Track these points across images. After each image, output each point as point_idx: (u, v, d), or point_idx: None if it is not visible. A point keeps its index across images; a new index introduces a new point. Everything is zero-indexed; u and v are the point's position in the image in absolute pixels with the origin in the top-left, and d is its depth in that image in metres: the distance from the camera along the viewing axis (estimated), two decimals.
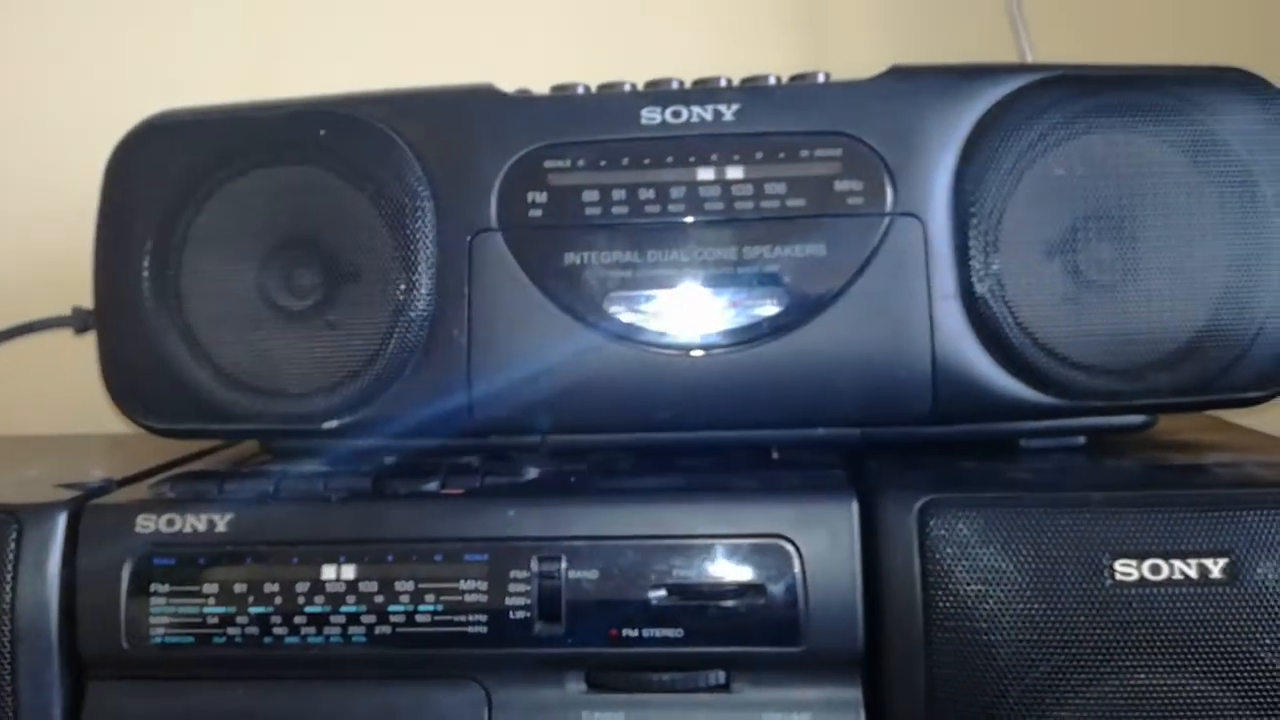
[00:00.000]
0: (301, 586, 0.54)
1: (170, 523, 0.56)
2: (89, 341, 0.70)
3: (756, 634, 0.53)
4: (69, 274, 0.74)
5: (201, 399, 0.60)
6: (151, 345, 0.60)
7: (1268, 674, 0.49)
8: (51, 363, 0.84)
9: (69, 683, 0.56)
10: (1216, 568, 0.49)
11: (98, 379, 0.64)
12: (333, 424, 0.60)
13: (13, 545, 0.55)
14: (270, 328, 0.60)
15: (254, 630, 0.54)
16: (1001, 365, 0.57)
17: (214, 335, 0.60)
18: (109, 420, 0.78)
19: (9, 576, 0.55)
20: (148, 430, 0.62)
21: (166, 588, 0.55)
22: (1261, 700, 0.49)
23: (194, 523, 0.56)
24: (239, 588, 0.54)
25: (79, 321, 0.75)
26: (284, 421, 0.60)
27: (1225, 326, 0.57)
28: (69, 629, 0.55)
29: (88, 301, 0.71)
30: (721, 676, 0.54)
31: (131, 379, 0.62)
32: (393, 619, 0.54)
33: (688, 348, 0.58)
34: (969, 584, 0.51)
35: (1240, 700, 0.49)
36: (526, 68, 0.65)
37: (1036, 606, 0.50)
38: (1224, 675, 0.49)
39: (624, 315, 0.58)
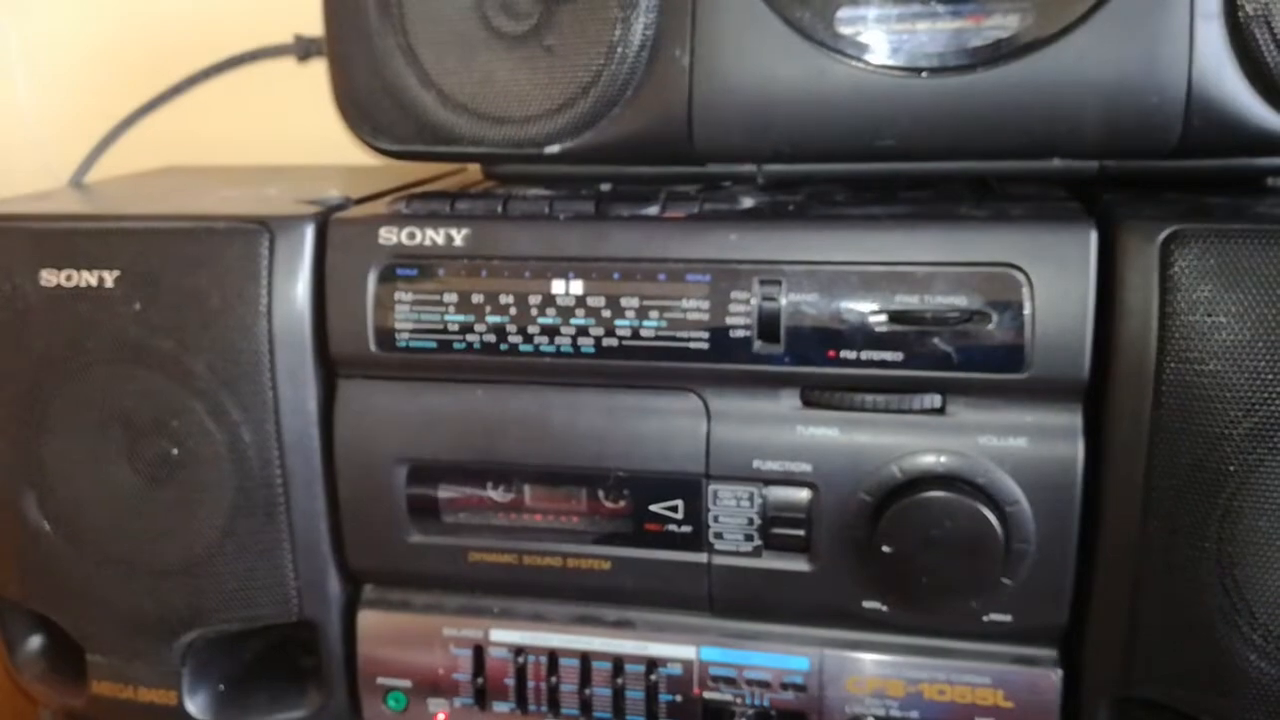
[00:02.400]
0: (534, 299, 0.57)
1: (411, 235, 0.59)
2: (311, 71, 0.72)
3: (978, 360, 0.53)
4: (289, 2, 0.75)
5: (426, 121, 0.62)
6: (378, 68, 0.62)
7: None
8: (274, 93, 0.87)
9: (323, 380, 0.61)
10: None
11: (319, 109, 0.66)
12: (554, 149, 0.61)
13: (265, 254, 0.60)
14: (489, 51, 0.61)
15: (491, 338, 0.58)
16: (1261, 95, 0.53)
17: (436, 59, 0.61)
18: (330, 151, 0.82)
19: (265, 282, 0.60)
20: (377, 151, 0.65)
21: (410, 295, 0.59)
22: None
23: (433, 236, 0.59)
24: (476, 298, 0.58)
25: (301, 49, 0.77)
26: (506, 145, 0.62)
27: None
28: (321, 332, 0.60)
29: (307, 30, 0.73)
30: (937, 400, 0.55)
31: (361, 101, 0.63)
32: (619, 333, 0.57)
33: (919, 69, 0.55)
34: (1210, 315, 0.49)
35: None
36: None
37: (1273, 342, 0.49)
38: None
39: (854, 33, 0.56)
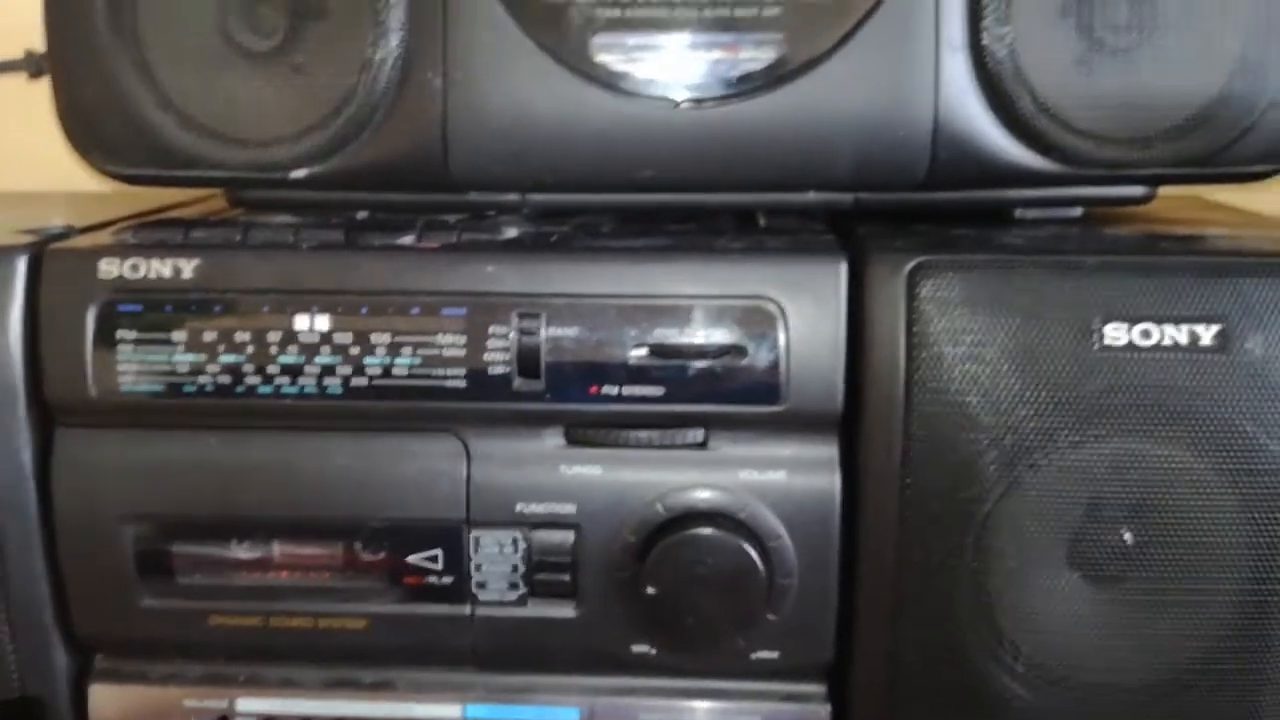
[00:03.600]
0: (274, 336, 0.53)
1: (135, 268, 0.54)
2: (45, 89, 0.66)
3: (737, 393, 0.52)
4: (19, 18, 0.69)
5: (163, 144, 0.57)
6: (109, 86, 0.57)
7: (1246, 443, 0.49)
8: (5, 112, 0.80)
9: (38, 430, 0.55)
10: (1208, 335, 0.49)
11: (51, 129, 0.60)
12: (300, 173, 0.57)
13: None
14: (232, 69, 0.57)
15: (226, 379, 0.53)
16: (1005, 127, 0.55)
17: (174, 76, 0.57)
18: (68, 177, 0.75)
19: None
20: (106, 175, 0.59)
21: (133, 334, 0.53)
22: (1238, 469, 0.49)
23: (159, 268, 0.54)
24: (208, 336, 0.53)
25: (32, 65, 0.70)
26: (248, 169, 0.58)
27: (1237, 96, 0.55)
28: (35, 376, 0.54)
29: (39, 45, 0.67)
30: (700, 434, 0.54)
31: (89, 121, 0.58)
32: (369, 371, 0.53)
33: (676, 99, 0.55)
34: (955, 345, 0.50)
35: (1217, 469, 0.50)
36: None
37: (1021, 369, 0.50)
38: (1204, 445, 0.49)
39: (610, 60, 0.54)
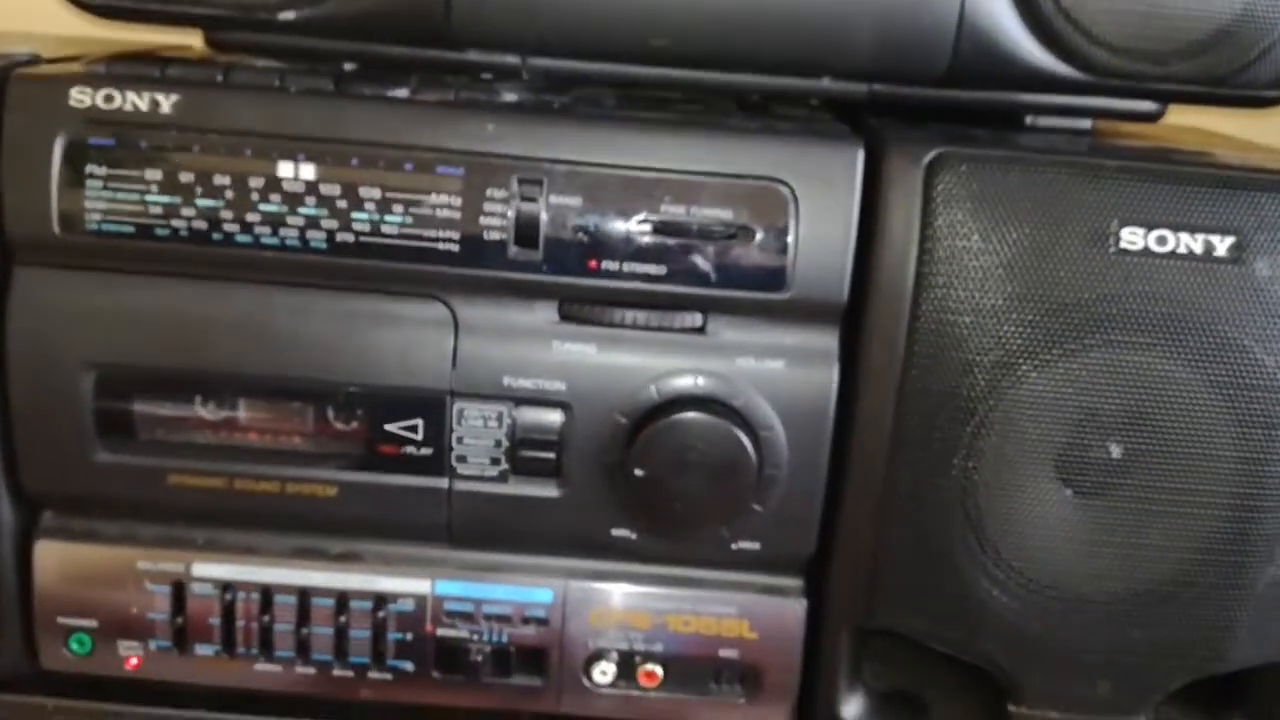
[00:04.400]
0: (255, 182, 0.50)
1: (109, 99, 0.50)
2: None
3: (741, 277, 0.51)
4: None
5: None
6: None
7: (1245, 359, 0.49)
8: None
9: None
10: (1223, 246, 0.48)
11: None
12: (289, 15, 0.53)
13: None
14: None
15: (201, 224, 0.50)
16: (1028, 29, 0.53)
17: None
18: (43, 20, 0.70)
19: None
20: (81, 6, 0.55)
21: (104, 170, 0.50)
22: (1232, 383, 0.49)
23: (135, 101, 0.50)
24: (185, 177, 0.50)
25: None
26: (232, 8, 0.54)
27: (1256, 17, 0.53)
28: None
29: None
30: (698, 319, 0.52)
31: None
32: (356, 227, 0.50)
33: None
34: (970, 241, 0.49)
35: (1211, 381, 0.49)
36: None
37: (1035, 270, 0.49)
38: (1202, 356, 0.49)
39: None
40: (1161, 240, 0.48)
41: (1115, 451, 0.51)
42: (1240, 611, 0.51)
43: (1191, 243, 0.48)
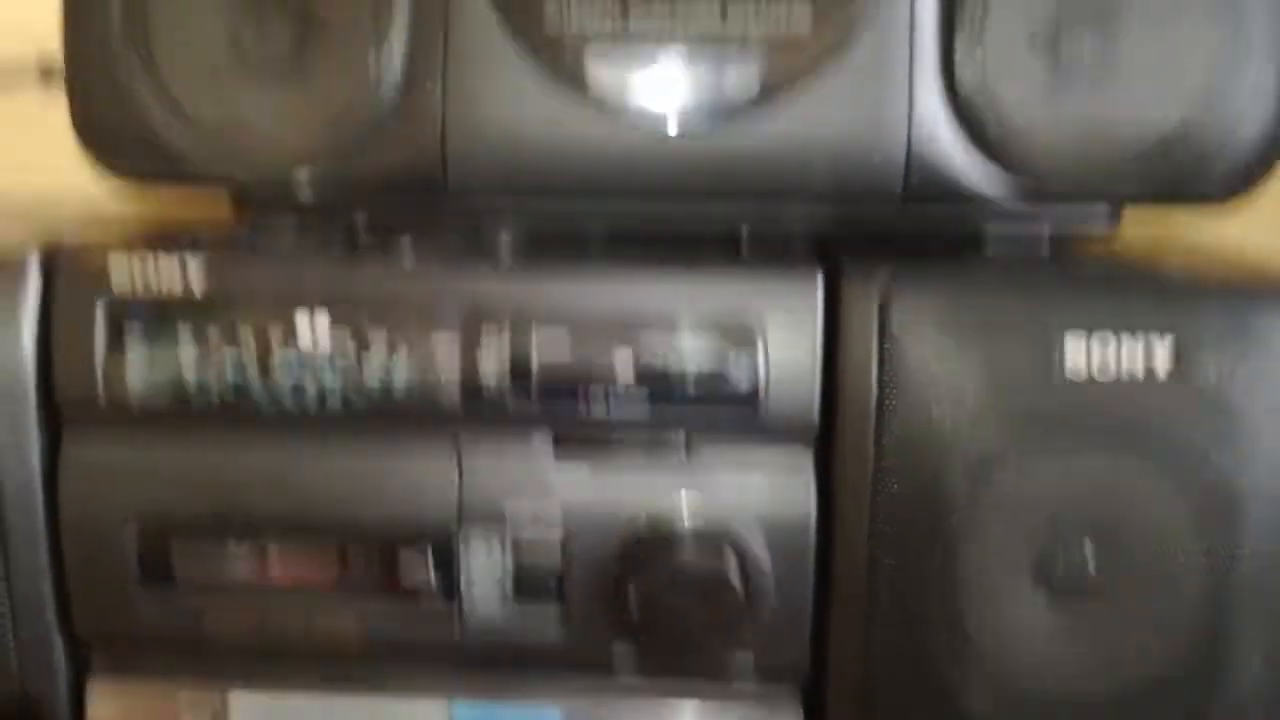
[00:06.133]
0: (275, 341, 0.55)
1: (145, 270, 0.56)
2: (56, 95, 0.68)
3: (718, 404, 0.54)
4: (32, 19, 0.71)
5: (171, 149, 0.59)
6: (121, 93, 0.59)
7: (1201, 461, 0.51)
8: (16, 122, 0.82)
9: (46, 431, 0.57)
10: (1164, 349, 0.51)
11: (66, 135, 0.62)
12: (304, 179, 0.59)
13: None
14: (240, 79, 0.59)
15: (227, 382, 0.55)
16: (976, 149, 0.57)
17: (184, 84, 0.59)
18: (78, 184, 0.77)
19: None
20: (116, 178, 0.62)
21: (141, 338, 0.56)
22: (1191, 485, 0.51)
23: (169, 270, 0.56)
24: (213, 336, 0.55)
25: (46, 75, 0.73)
26: (254, 175, 0.60)
27: (1198, 126, 0.57)
28: (45, 378, 0.56)
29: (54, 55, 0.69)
30: (682, 444, 0.56)
31: (101, 127, 0.60)
32: (365, 378, 0.55)
33: (664, 116, 0.57)
34: (924, 362, 0.52)
35: (1171, 485, 0.52)
36: None
37: (987, 385, 0.52)
38: (1159, 460, 0.51)
39: (603, 80, 0.57)
40: (1104, 355, 0.51)
41: (1089, 554, 0.53)
42: (1217, 707, 0.52)
43: (1133, 353, 0.51)
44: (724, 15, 0.56)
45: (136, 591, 0.57)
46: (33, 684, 0.58)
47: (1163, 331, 0.51)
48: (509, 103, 0.57)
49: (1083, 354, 0.51)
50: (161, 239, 0.58)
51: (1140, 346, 0.51)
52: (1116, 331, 0.51)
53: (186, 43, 0.59)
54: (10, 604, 0.57)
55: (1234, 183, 0.58)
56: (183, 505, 0.57)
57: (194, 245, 0.57)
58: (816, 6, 0.56)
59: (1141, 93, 0.57)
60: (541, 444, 0.56)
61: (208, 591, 0.57)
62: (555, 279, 0.56)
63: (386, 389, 0.55)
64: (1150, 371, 0.51)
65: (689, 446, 0.56)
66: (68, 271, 0.56)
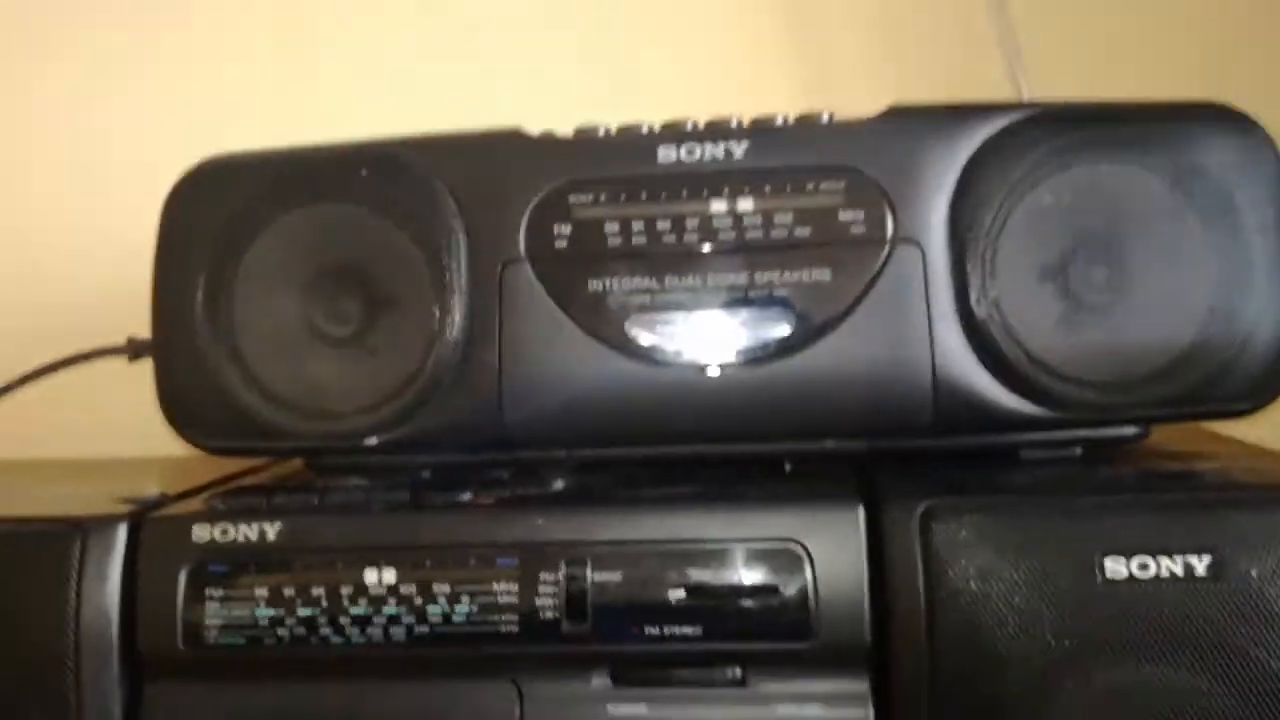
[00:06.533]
0: (345, 590, 0.58)
1: (224, 532, 0.60)
2: (141, 369, 0.75)
3: (770, 631, 0.56)
4: (123, 306, 0.79)
5: (251, 420, 0.65)
6: (205, 370, 0.65)
7: (1249, 664, 0.52)
8: (106, 389, 0.89)
9: (128, 684, 0.59)
10: (1201, 565, 0.52)
11: (148, 405, 0.68)
12: (372, 441, 0.64)
13: (77, 555, 0.60)
14: (314, 354, 0.65)
15: (301, 631, 0.58)
16: (998, 380, 0.61)
17: (262, 361, 0.65)
18: (159, 446, 0.83)
19: (74, 585, 0.59)
20: (201, 449, 0.67)
21: (220, 592, 0.59)
22: (1245, 690, 0.52)
23: (246, 532, 0.60)
24: (287, 591, 0.58)
25: (132, 350, 0.80)
26: (327, 440, 0.65)
27: (1211, 342, 0.60)
28: (129, 633, 0.59)
29: (139, 331, 0.76)
30: (738, 672, 0.57)
31: (186, 402, 0.66)
32: (430, 620, 0.58)
33: (704, 367, 0.62)
34: (968, 583, 0.54)
35: (1226, 690, 0.52)
36: (545, 109, 0.70)
37: (1032, 604, 0.53)
38: (1209, 668, 0.52)
39: (644, 338, 0.62)
40: (1144, 567, 0.53)
41: None
42: None
43: (1172, 565, 0.52)
44: (751, 277, 0.62)
45: None
46: None
47: (1201, 551, 0.52)
48: (559, 363, 0.63)
49: (1124, 571, 0.53)
50: (241, 499, 0.62)
51: (1179, 564, 0.52)
52: (1155, 555, 0.53)
53: (264, 322, 0.65)
54: None
55: (1254, 394, 0.61)
56: None
57: (271, 506, 0.61)
58: (834, 262, 0.61)
59: (1153, 315, 0.61)
60: (600, 678, 0.58)
61: None
62: (607, 513, 0.59)
63: (449, 625, 0.57)
64: (1189, 575, 0.52)
65: (744, 679, 0.57)
66: (153, 534, 0.60)
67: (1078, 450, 0.65)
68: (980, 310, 0.61)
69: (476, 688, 0.58)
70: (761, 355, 0.61)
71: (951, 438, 0.63)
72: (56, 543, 0.60)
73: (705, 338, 0.62)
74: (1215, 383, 0.61)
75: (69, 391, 0.86)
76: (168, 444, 0.77)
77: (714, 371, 0.62)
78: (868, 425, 0.62)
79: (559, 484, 0.64)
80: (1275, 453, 0.67)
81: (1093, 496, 0.55)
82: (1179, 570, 0.52)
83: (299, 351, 0.65)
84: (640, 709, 0.57)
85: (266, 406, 0.65)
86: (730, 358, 0.62)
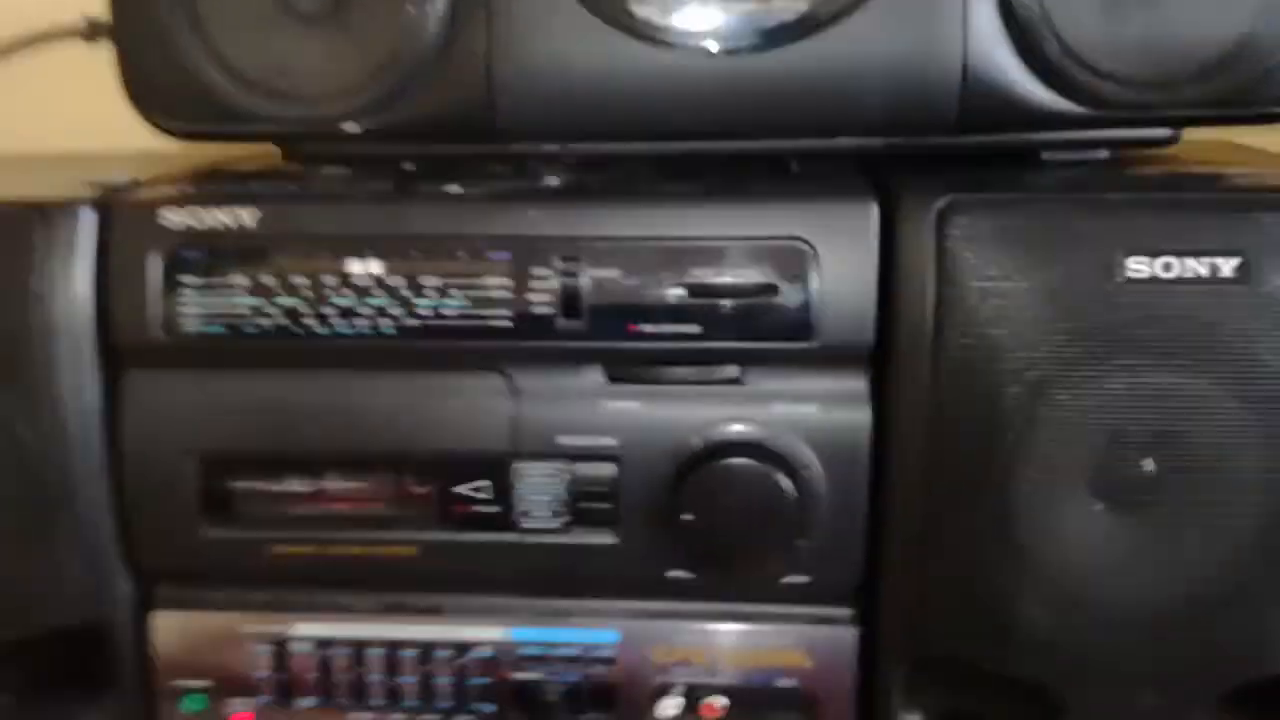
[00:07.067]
0: (329, 280, 0.56)
1: (198, 217, 0.56)
2: (100, 53, 0.69)
3: (770, 330, 0.54)
4: None
5: (219, 102, 0.60)
6: (168, 48, 0.59)
7: (1265, 372, 0.51)
8: (64, 76, 0.82)
9: (106, 372, 0.58)
10: (1228, 267, 0.50)
11: (109, 92, 0.63)
12: (353, 127, 0.60)
13: (40, 242, 0.56)
14: (286, 30, 0.59)
15: (284, 321, 0.56)
16: (1033, 71, 0.56)
17: (229, 38, 0.59)
18: (123, 136, 0.78)
19: (37, 273, 0.56)
20: (167, 133, 0.62)
21: (196, 279, 0.56)
22: (1256, 397, 0.51)
23: (220, 217, 0.56)
24: (267, 280, 0.56)
25: (90, 31, 0.73)
26: (303, 125, 0.60)
27: (1259, 39, 0.56)
28: (104, 321, 0.57)
29: (95, 11, 0.70)
30: (734, 371, 0.56)
31: (150, 82, 0.61)
32: (419, 312, 0.56)
33: (712, 48, 0.56)
34: (982, 281, 0.52)
35: (1235, 397, 0.51)
36: None
37: (1047, 303, 0.51)
38: (1222, 373, 0.51)
39: (649, 14, 0.56)
40: (1167, 267, 0.50)
41: (1148, 468, 0.52)
42: (1276, 620, 0.52)
43: (1197, 267, 0.50)
44: None
45: (199, 524, 0.58)
46: (99, 618, 0.60)
47: (1228, 253, 0.50)
48: (555, 43, 0.57)
49: (1146, 271, 0.50)
50: (216, 184, 0.59)
51: (1205, 265, 0.50)
52: (1180, 256, 0.50)
53: None
54: (76, 541, 0.59)
55: None
56: (241, 438, 0.58)
57: (248, 191, 0.57)
58: None
59: (1198, 9, 0.56)
60: (593, 374, 0.57)
61: (268, 523, 0.58)
62: (603, 208, 0.56)
63: (438, 317, 0.56)
64: (1215, 276, 0.50)
65: (742, 373, 0.56)
66: (123, 219, 0.57)
67: (1104, 153, 0.61)
68: None
69: (467, 380, 0.57)
70: (777, 36, 0.56)
71: (976, 135, 0.59)
72: (14, 228, 0.56)
73: (715, 15, 0.56)
74: (1257, 85, 0.57)
75: (24, 80, 0.80)
76: (133, 138, 0.72)
77: (724, 54, 0.56)
78: (888, 119, 0.57)
79: (553, 180, 0.60)
80: None
81: (1118, 194, 0.52)
82: (1204, 271, 0.50)
83: (268, 27, 0.59)
84: (634, 405, 0.56)
85: (234, 86, 0.59)
86: (742, 39, 0.56)
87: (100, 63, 0.67)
